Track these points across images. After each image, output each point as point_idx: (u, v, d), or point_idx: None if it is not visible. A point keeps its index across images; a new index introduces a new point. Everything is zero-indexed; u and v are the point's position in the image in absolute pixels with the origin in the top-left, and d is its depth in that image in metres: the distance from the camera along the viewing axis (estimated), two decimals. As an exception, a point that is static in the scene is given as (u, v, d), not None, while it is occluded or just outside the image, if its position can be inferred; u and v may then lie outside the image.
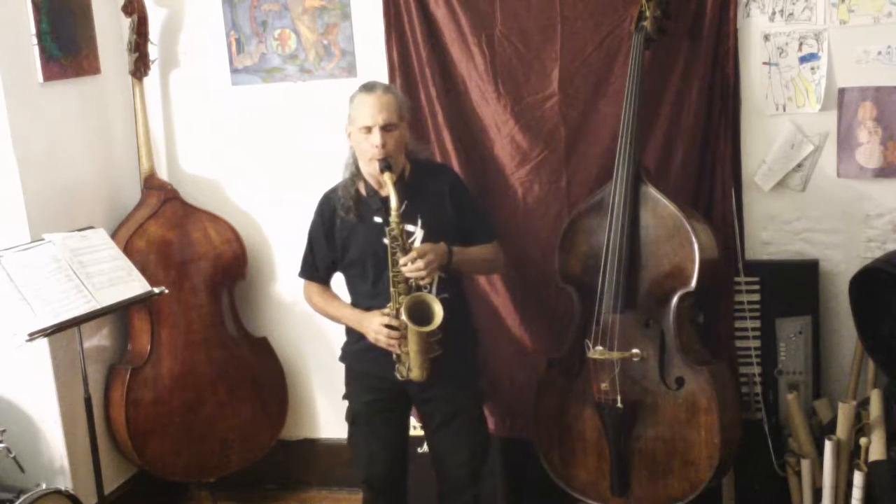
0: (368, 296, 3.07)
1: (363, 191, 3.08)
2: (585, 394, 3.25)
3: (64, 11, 3.57)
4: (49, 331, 3.08)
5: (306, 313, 3.86)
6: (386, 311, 2.98)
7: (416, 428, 3.38)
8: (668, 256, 3.14)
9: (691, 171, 3.44)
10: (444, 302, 2.92)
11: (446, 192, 3.09)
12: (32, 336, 3.04)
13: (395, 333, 2.95)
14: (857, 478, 3.07)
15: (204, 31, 3.89)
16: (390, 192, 2.88)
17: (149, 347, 3.74)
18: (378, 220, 3.02)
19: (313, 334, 3.98)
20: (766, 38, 3.37)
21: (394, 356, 3.00)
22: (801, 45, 3.34)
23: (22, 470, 3.30)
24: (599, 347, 3.18)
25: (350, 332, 3.18)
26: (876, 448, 3.06)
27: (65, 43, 3.57)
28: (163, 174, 3.98)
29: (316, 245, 3.17)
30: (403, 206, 2.93)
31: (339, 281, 3.24)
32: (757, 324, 3.44)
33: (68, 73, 3.60)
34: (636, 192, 3.17)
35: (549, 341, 3.55)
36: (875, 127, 3.31)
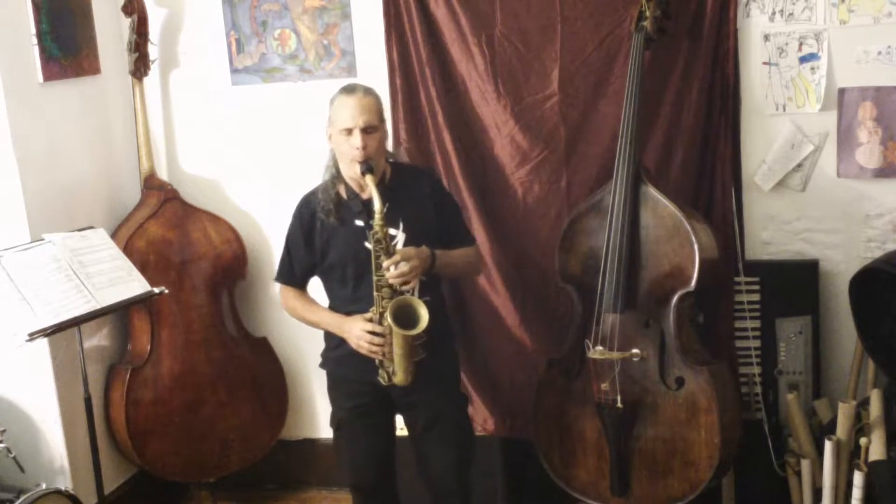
0: (349, 300, 3.02)
1: (343, 193, 3.02)
2: (585, 394, 3.25)
3: (64, 11, 3.57)
4: (49, 331, 3.08)
5: (306, 313, 3.87)
6: (368, 315, 2.93)
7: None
8: (668, 256, 3.14)
9: (691, 171, 3.44)
10: (426, 305, 2.88)
11: (427, 194, 3.05)
12: (32, 336, 3.04)
13: (378, 339, 2.89)
14: (857, 478, 3.07)
15: (204, 31, 3.89)
16: (373, 194, 2.82)
17: (149, 347, 3.74)
18: (359, 223, 2.97)
19: (313, 334, 3.93)
20: (766, 38, 3.37)
21: (376, 361, 2.95)
22: (801, 45, 3.34)
23: (22, 470, 3.30)
24: (599, 347, 3.18)
25: (329, 337, 3.13)
26: (876, 448, 3.06)
27: (65, 43, 3.57)
28: (163, 174, 3.99)
29: (294, 249, 3.09)
30: (385, 209, 2.87)
31: (316, 286, 3.18)
32: (757, 324, 3.44)
33: (68, 73, 3.60)
34: (636, 192, 3.17)
35: (549, 341, 3.55)
36: (875, 127, 3.31)
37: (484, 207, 3.62)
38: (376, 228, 2.84)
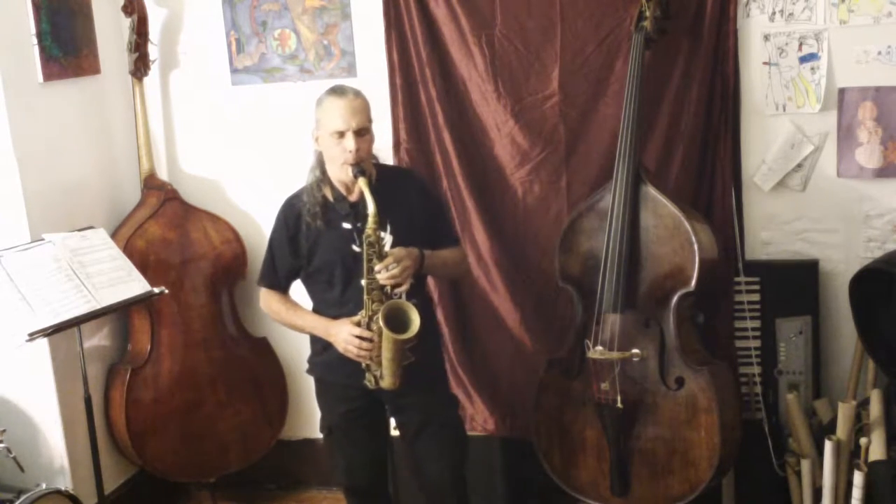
0: (336, 304, 2.98)
1: (330, 196, 2.98)
2: (585, 394, 3.25)
3: (64, 11, 3.57)
4: (49, 331, 3.08)
5: (306, 313, 3.87)
6: (356, 319, 2.89)
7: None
8: (668, 256, 3.14)
9: (691, 171, 3.44)
10: (414, 307, 2.86)
11: (413, 195, 3.03)
12: (32, 336, 3.04)
13: (366, 343, 2.86)
14: (857, 478, 3.07)
15: (204, 31, 3.89)
16: (367, 197, 2.79)
17: (149, 347, 3.74)
18: (347, 226, 2.94)
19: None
20: (766, 38, 3.37)
21: (363, 364, 2.92)
22: (801, 45, 3.34)
23: (22, 470, 3.29)
24: (599, 347, 3.18)
25: (314, 342, 3.10)
26: (876, 448, 3.06)
27: (65, 43, 3.57)
28: (163, 174, 3.99)
29: (278, 252, 3.05)
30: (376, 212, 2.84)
31: (298, 289, 3.15)
32: (757, 324, 3.44)
33: (68, 73, 3.60)
34: (636, 192, 3.17)
35: (549, 341, 3.55)
36: (875, 127, 3.31)
37: (484, 207, 3.62)
38: (369, 232, 2.81)
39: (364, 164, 2.86)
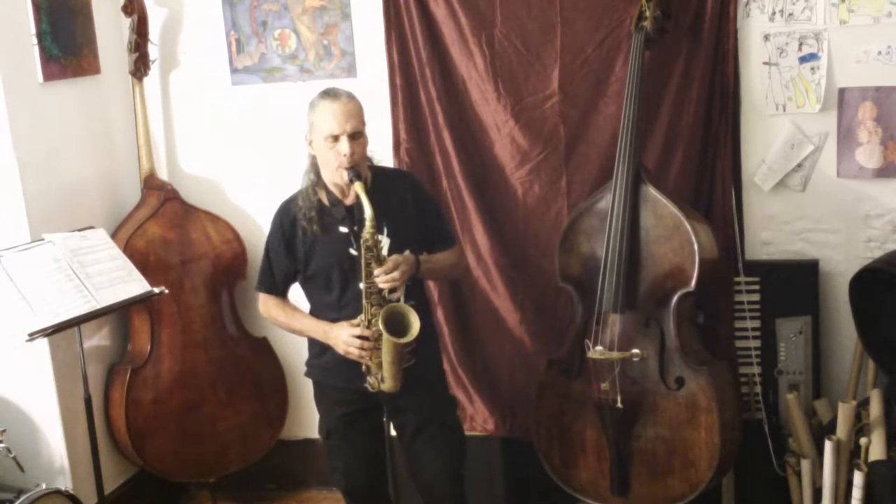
0: (334, 308, 2.97)
1: (325, 200, 2.97)
2: (585, 394, 3.25)
3: (64, 11, 3.57)
4: (49, 331, 3.08)
5: (306, 313, 3.87)
6: (355, 321, 2.89)
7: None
8: (668, 256, 3.14)
9: (691, 171, 3.44)
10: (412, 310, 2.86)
11: (409, 198, 3.01)
12: (32, 336, 3.04)
13: (367, 344, 2.86)
14: (857, 478, 3.07)
15: (204, 31, 3.89)
16: (364, 201, 2.78)
17: (149, 347, 3.74)
18: (344, 229, 2.93)
19: (313, 334, 3.97)
20: (766, 38, 3.37)
21: (363, 367, 2.92)
22: (801, 45, 3.34)
23: (22, 470, 3.29)
24: (599, 347, 3.18)
25: (312, 345, 3.10)
26: (876, 448, 3.06)
27: (65, 43, 3.57)
28: (163, 174, 3.98)
29: (275, 257, 3.04)
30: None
31: (296, 292, 3.15)
32: (757, 324, 3.44)
33: (68, 73, 3.60)
34: (636, 192, 3.17)
35: (549, 341, 3.55)
36: (875, 127, 3.31)
37: (484, 207, 3.62)
38: (366, 235, 2.80)
39: (359, 167, 2.86)
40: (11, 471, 3.32)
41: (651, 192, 3.17)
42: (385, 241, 2.91)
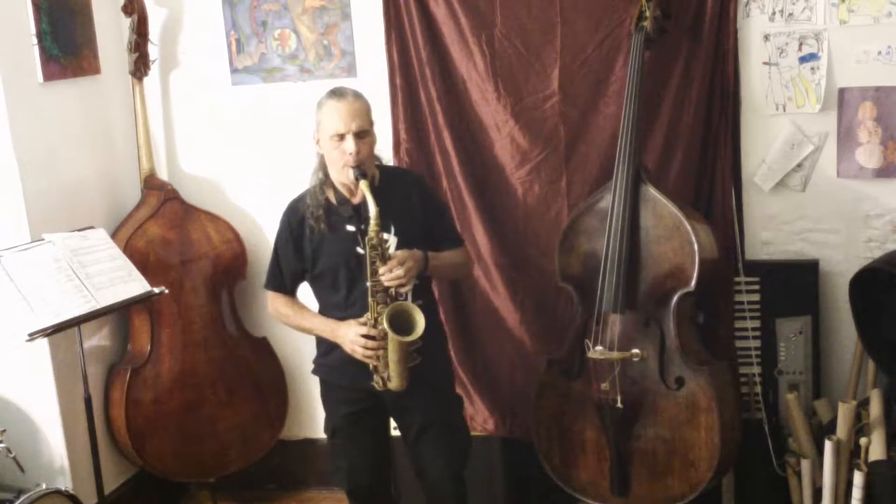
0: (341, 306, 2.98)
1: (333, 199, 2.98)
2: (585, 394, 3.25)
3: (64, 11, 3.57)
4: (49, 331, 3.08)
5: (306, 313, 3.87)
6: (362, 320, 2.90)
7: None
8: (668, 256, 3.14)
9: (691, 171, 3.44)
10: (419, 309, 2.86)
11: (416, 197, 3.02)
12: (32, 336, 3.04)
13: (373, 343, 2.87)
14: (857, 478, 3.07)
15: (204, 31, 3.89)
16: (368, 200, 2.79)
17: (149, 347, 3.74)
18: (351, 228, 2.94)
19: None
20: (766, 38, 3.37)
21: (370, 366, 2.93)
22: (801, 45, 3.34)
23: (22, 470, 3.29)
24: (599, 347, 3.18)
25: (320, 343, 3.11)
26: (876, 448, 3.06)
27: (65, 43, 3.57)
28: (163, 174, 3.99)
29: (283, 256, 3.05)
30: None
31: (305, 291, 3.16)
32: (757, 324, 3.44)
33: (68, 73, 3.60)
34: (636, 192, 3.17)
35: (549, 341, 3.55)
36: (875, 127, 3.31)
37: (484, 207, 3.62)
38: (371, 234, 2.81)
39: (365, 166, 2.86)
40: (11, 471, 3.32)
41: (651, 192, 3.17)
42: (392, 240, 2.92)
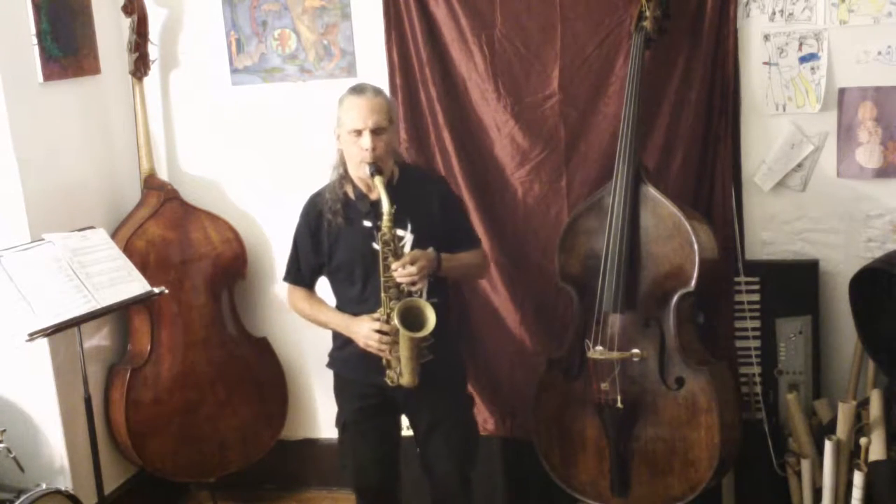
0: (356, 301, 3.02)
1: (351, 194, 3.02)
2: (585, 394, 3.25)
3: (64, 11, 3.57)
4: (49, 331, 3.08)
5: (306, 313, 3.87)
6: (376, 315, 2.93)
7: (408, 428, 3.35)
8: (668, 256, 3.14)
9: (691, 171, 3.44)
10: (433, 307, 2.89)
11: (434, 196, 3.05)
12: (32, 336, 3.04)
13: (386, 338, 2.90)
14: (857, 478, 3.07)
15: (204, 31, 3.89)
16: (382, 195, 2.83)
17: (149, 347, 3.74)
18: (367, 223, 2.98)
19: (313, 334, 3.94)
20: (766, 38, 3.37)
21: (383, 361, 2.96)
22: (801, 45, 3.34)
23: (22, 470, 3.29)
24: (599, 347, 3.18)
25: (335, 337, 3.14)
26: (876, 448, 3.06)
27: (65, 43, 3.57)
28: (163, 174, 3.98)
29: (301, 249, 3.10)
30: (393, 210, 2.89)
31: (324, 286, 3.20)
32: (757, 324, 3.44)
33: (68, 73, 3.60)
34: (636, 192, 3.18)
35: (549, 341, 3.55)
36: (875, 127, 3.31)
37: (484, 207, 3.62)
38: (384, 230, 2.85)
39: (381, 162, 2.89)
40: (11, 471, 3.32)
41: (651, 192, 3.17)
42: (409, 238, 2.96)
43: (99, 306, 3.23)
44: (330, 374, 3.70)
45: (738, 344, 3.46)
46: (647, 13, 3.21)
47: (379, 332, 2.91)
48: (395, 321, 2.84)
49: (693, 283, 3.09)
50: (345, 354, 3.09)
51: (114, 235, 3.69)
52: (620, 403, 3.13)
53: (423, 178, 3.17)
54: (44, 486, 3.20)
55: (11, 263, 3.14)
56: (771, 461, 3.38)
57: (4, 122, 3.31)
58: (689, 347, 3.17)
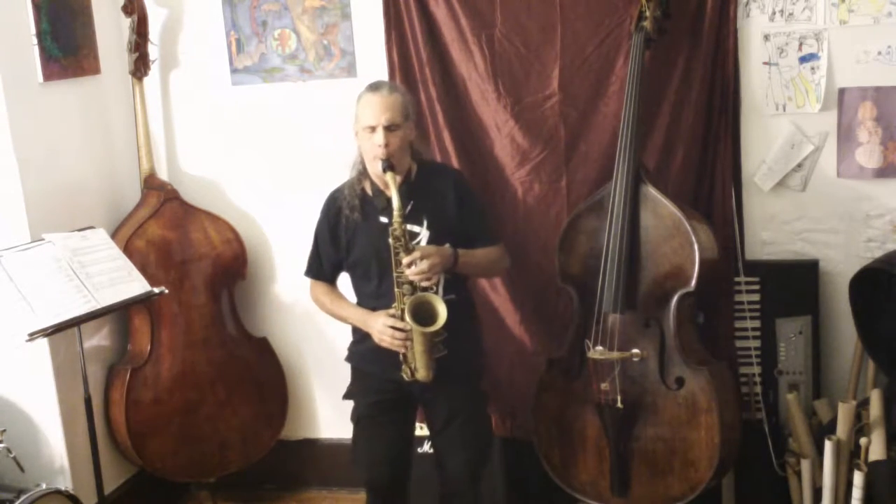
0: (373, 296, 3.07)
1: (369, 190, 3.08)
2: (585, 394, 3.25)
3: (64, 11, 3.57)
4: (49, 331, 3.08)
5: (306, 313, 3.88)
6: (391, 311, 2.98)
7: (421, 428, 3.37)
8: (668, 256, 3.14)
9: (691, 171, 3.44)
10: (449, 303, 2.92)
11: (452, 193, 3.08)
12: (32, 336, 3.04)
13: (399, 334, 2.94)
14: (857, 478, 3.07)
15: (204, 31, 3.89)
16: (392, 192, 2.88)
17: (149, 347, 3.74)
18: (383, 219, 3.02)
19: (313, 334, 3.98)
20: (766, 38, 3.37)
21: (400, 356, 3.00)
22: (801, 45, 3.34)
23: (22, 470, 3.29)
24: (599, 347, 3.18)
25: (355, 331, 3.19)
26: (876, 448, 3.06)
27: (65, 43, 3.57)
28: (163, 174, 3.98)
29: (321, 244, 3.17)
30: (409, 207, 2.95)
31: (346, 281, 3.24)
32: (757, 324, 3.44)
33: (68, 73, 3.60)
34: (636, 192, 3.18)
35: (549, 341, 3.55)
36: (875, 127, 3.31)
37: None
38: (395, 225, 2.89)
39: (394, 158, 2.93)
40: (11, 471, 3.32)
41: (651, 191, 3.17)
42: (425, 234, 3.00)
43: (99, 306, 3.23)
44: (330, 373, 3.71)
45: (738, 344, 3.46)
46: (647, 13, 3.21)
47: (392, 327, 2.94)
48: (407, 316, 2.88)
49: (693, 283, 3.09)
50: (363, 348, 3.13)
51: (114, 235, 3.69)
52: (620, 403, 3.13)
53: (440, 173, 3.21)
54: (44, 486, 3.20)
55: (11, 263, 3.14)
56: (771, 461, 3.38)
57: (4, 122, 3.31)
58: (689, 347, 3.17)
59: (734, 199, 3.43)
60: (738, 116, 3.42)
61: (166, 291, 3.47)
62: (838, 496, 3.15)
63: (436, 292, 2.97)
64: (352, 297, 3.21)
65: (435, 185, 3.08)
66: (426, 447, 3.47)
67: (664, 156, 3.44)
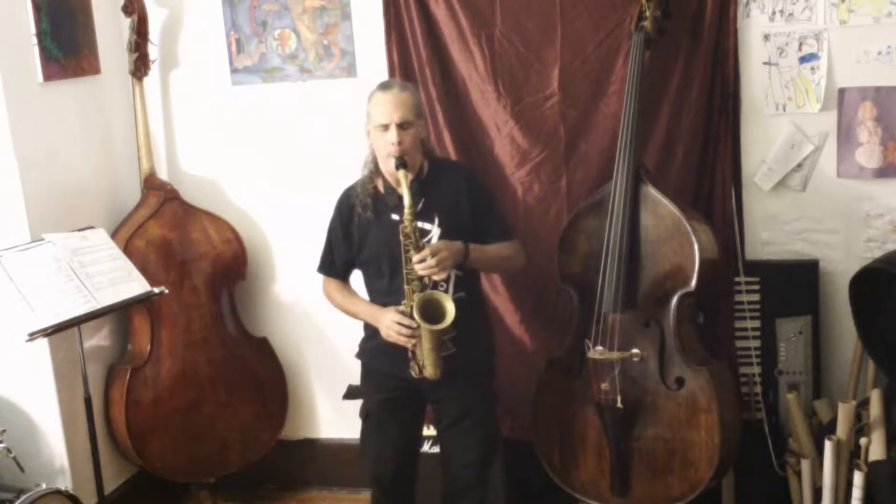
0: (384, 293, 3.09)
1: (381, 188, 3.10)
2: (585, 394, 3.25)
3: (64, 11, 3.57)
4: (49, 331, 3.08)
5: (306, 313, 3.88)
6: (401, 308, 2.99)
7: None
8: (668, 256, 3.14)
9: (691, 171, 3.44)
10: (459, 301, 2.94)
11: (463, 190, 3.10)
12: (32, 336, 3.04)
13: (406, 330, 2.95)
14: (857, 478, 3.07)
15: (204, 31, 3.89)
16: (403, 189, 2.90)
17: (149, 347, 3.74)
18: (395, 217, 3.03)
19: (313, 334, 3.98)
20: (766, 38, 3.37)
21: (409, 353, 3.01)
22: (801, 45, 3.34)
23: (22, 470, 3.29)
24: (599, 347, 3.18)
25: (366, 328, 3.20)
26: (876, 448, 3.06)
27: (65, 43, 3.57)
28: (163, 174, 3.98)
29: (334, 241, 3.20)
30: (421, 204, 2.96)
31: (358, 278, 3.26)
32: (757, 324, 3.44)
33: (68, 73, 3.60)
34: (636, 192, 3.17)
35: (549, 341, 3.55)
36: (875, 127, 3.31)
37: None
38: (405, 223, 2.90)
39: (407, 156, 2.95)
40: (11, 471, 3.32)
41: (651, 191, 3.17)
42: (436, 231, 3.02)
43: (99, 306, 3.23)
44: (330, 373, 3.71)
45: (738, 344, 3.46)
46: (647, 13, 3.21)
47: (400, 323, 2.95)
48: (415, 314, 2.89)
49: (693, 283, 3.09)
50: (373, 345, 3.15)
51: (114, 235, 3.69)
52: (620, 403, 3.13)
53: (451, 169, 3.23)
54: (44, 486, 3.20)
55: (11, 263, 3.14)
56: (771, 461, 3.38)
57: (4, 122, 3.31)
58: (689, 347, 3.17)
59: (734, 199, 3.43)
60: (738, 116, 3.42)
61: (166, 291, 3.47)
62: (838, 496, 3.15)
63: (446, 290, 2.98)
64: (364, 294, 3.22)
65: (446, 182, 3.10)
66: (426, 447, 3.46)
67: (664, 156, 3.45)
